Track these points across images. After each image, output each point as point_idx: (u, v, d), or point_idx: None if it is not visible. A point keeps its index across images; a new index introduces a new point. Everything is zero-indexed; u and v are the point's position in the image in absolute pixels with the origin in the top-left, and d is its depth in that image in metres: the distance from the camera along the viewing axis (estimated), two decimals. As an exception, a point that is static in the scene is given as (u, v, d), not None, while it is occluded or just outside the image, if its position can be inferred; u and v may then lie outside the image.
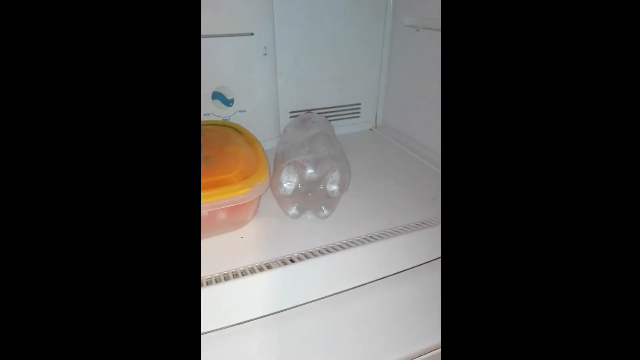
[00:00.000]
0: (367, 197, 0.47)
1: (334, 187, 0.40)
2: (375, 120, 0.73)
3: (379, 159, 0.60)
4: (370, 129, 0.72)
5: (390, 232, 0.40)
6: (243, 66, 0.56)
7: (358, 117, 0.71)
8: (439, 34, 0.53)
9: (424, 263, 0.38)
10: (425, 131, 0.60)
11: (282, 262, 0.35)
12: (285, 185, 0.39)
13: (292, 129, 0.50)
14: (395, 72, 0.66)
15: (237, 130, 0.54)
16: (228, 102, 0.56)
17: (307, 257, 0.36)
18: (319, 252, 0.36)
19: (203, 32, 0.49)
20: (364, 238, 0.39)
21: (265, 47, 0.56)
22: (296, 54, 0.60)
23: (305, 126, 0.50)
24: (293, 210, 0.41)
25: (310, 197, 0.40)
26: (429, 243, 0.39)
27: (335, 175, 0.40)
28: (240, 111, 0.58)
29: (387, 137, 0.68)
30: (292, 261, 0.35)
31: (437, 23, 0.53)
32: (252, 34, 0.54)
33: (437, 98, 0.55)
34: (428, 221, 0.42)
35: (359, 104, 0.70)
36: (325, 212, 0.41)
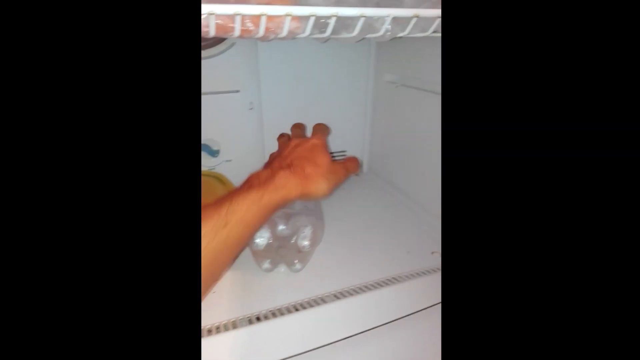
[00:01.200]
0: (342, 249, 0.48)
1: (305, 243, 0.41)
2: (362, 166, 0.75)
3: (362, 207, 0.61)
4: (357, 175, 0.74)
5: (361, 288, 0.40)
6: (229, 120, 0.59)
7: (344, 163, 0.73)
8: (416, 91, 0.56)
9: (395, 319, 0.38)
10: (408, 178, 0.62)
11: (249, 320, 0.36)
12: (257, 240, 0.40)
13: None
14: (379, 122, 0.69)
15: (220, 180, 0.56)
16: (214, 153, 0.59)
17: (274, 315, 0.36)
18: (287, 309, 0.37)
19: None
20: (334, 294, 0.39)
21: (251, 102, 0.59)
22: (282, 106, 0.64)
23: None
24: (266, 265, 0.42)
25: (283, 252, 0.41)
26: (400, 299, 0.40)
27: (307, 231, 0.41)
28: (226, 161, 0.60)
29: (371, 183, 0.70)
30: (258, 319, 0.36)
31: (414, 81, 0.57)
32: (238, 91, 0.57)
33: (419, 148, 0.58)
34: (399, 276, 0.42)
35: (344, 150, 0.72)
36: (298, 266, 0.42)
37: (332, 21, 0.28)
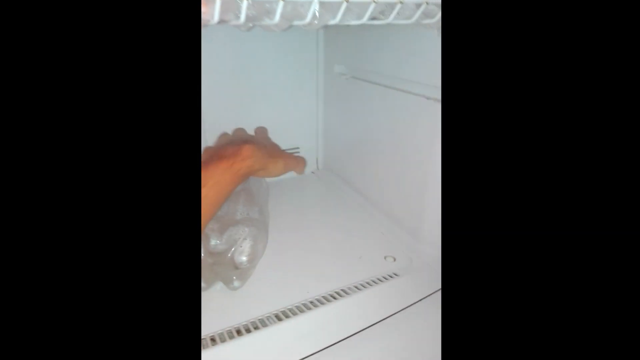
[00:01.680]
0: (288, 257, 0.44)
1: (243, 258, 0.37)
2: (317, 163, 0.71)
3: (313, 207, 0.58)
4: (312, 172, 0.71)
5: (307, 305, 0.36)
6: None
7: (299, 160, 0.69)
8: (367, 83, 0.52)
9: (343, 339, 0.35)
10: (363, 176, 0.59)
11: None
12: None
13: None
14: (332, 116, 0.65)
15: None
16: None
17: (213, 341, 0.32)
18: (219, 337, 0.33)
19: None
20: (275, 315, 0.35)
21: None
22: (226, 101, 0.58)
23: None
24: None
25: (218, 269, 0.37)
26: (352, 313, 0.37)
27: (245, 245, 0.37)
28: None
29: (325, 181, 0.66)
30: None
31: (364, 73, 0.53)
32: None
33: (373, 144, 0.55)
34: (351, 287, 0.39)
35: (297, 147, 0.68)
36: (236, 283, 0.38)
37: (244, 4, 0.24)
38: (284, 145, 0.66)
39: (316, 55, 0.62)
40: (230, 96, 0.59)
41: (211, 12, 0.24)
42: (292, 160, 0.48)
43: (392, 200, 0.52)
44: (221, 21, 0.24)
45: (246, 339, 0.32)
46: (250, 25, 0.27)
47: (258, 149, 0.39)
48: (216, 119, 0.58)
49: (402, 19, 0.31)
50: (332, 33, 0.59)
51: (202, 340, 0.32)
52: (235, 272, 0.37)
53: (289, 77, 0.62)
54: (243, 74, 0.58)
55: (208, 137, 0.58)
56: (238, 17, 0.25)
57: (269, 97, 0.62)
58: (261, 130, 0.53)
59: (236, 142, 0.41)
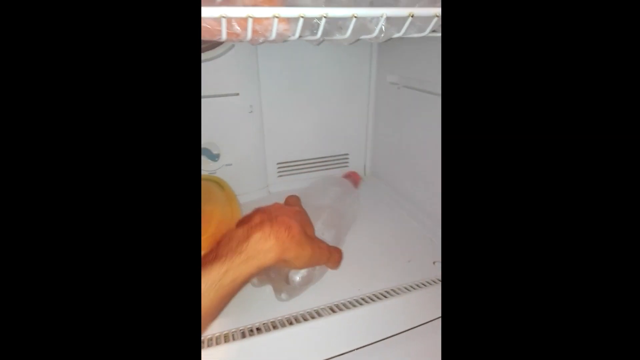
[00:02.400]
0: (343, 261, 0.46)
1: (297, 278, 0.38)
2: (364, 169, 0.73)
3: (362, 212, 0.59)
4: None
5: (358, 301, 0.38)
6: (229, 124, 0.58)
7: (347, 166, 0.71)
8: (418, 92, 0.54)
9: (393, 335, 0.36)
10: (412, 183, 0.60)
11: (242, 333, 0.34)
12: None
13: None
14: (382, 124, 0.67)
15: (220, 185, 0.55)
16: (214, 157, 0.58)
17: (267, 328, 0.35)
18: (280, 323, 0.35)
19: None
20: (330, 307, 0.37)
21: (250, 105, 0.58)
22: (282, 109, 0.62)
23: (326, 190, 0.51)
24: (254, 280, 0.39)
25: (273, 274, 0.39)
26: (401, 313, 0.38)
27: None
28: (226, 165, 0.59)
29: (373, 187, 0.68)
30: (252, 332, 0.34)
31: (415, 82, 0.55)
32: (237, 94, 0.56)
33: (422, 152, 0.56)
34: (399, 288, 0.40)
35: (346, 154, 0.71)
36: (284, 296, 0.39)
37: (323, 22, 0.27)
38: (333, 151, 0.69)
39: (369, 66, 0.64)
40: (289, 104, 0.63)
41: (293, 29, 0.27)
42: (324, 252, 0.36)
43: (440, 207, 0.52)
44: (300, 37, 0.28)
45: (303, 325, 0.35)
46: (322, 39, 0.31)
47: (275, 232, 0.30)
48: (275, 127, 0.63)
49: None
50: (386, 44, 0.61)
51: (261, 325, 0.35)
52: (286, 287, 0.39)
53: (343, 86, 0.65)
54: (302, 84, 0.62)
55: (266, 141, 0.63)
56: (315, 33, 0.28)
57: (322, 106, 0.65)
58: (294, 201, 0.42)
59: (255, 218, 0.33)
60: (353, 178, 0.63)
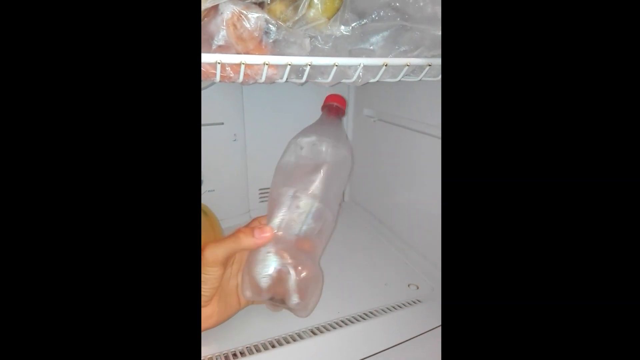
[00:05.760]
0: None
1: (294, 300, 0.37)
2: (343, 195, 0.76)
3: (340, 236, 0.62)
4: (339, 204, 0.75)
5: (337, 323, 0.40)
6: (213, 151, 0.60)
7: (326, 193, 0.74)
8: (391, 125, 0.59)
9: (371, 355, 0.38)
10: (387, 209, 0.64)
11: (225, 356, 0.35)
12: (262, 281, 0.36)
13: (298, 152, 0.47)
14: (359, 153, 0.72)
15: (203, 210, 0.56)
16: (197, 183, 0.59)
17: (250, 351, 0.36)
18: (263, 346, 0.37)
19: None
20: (310, 330, 0.39)
21: (234, 134, 0.61)
22: (265, 138, 0.65)
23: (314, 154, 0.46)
24: (248, 292, 0.41)
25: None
26: (378, 333, 0.40)
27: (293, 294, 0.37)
28: (209, 191, 0.61)
29: (351, 212, 0.71)
30: (234, 356, 0.35)
31: (389, 117, 0.60)
32: (222, 123, 0.59)
33: (396, 180, 0.60)
34: (377, 310, 0.43)
35: (326, 181, 0.74)
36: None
37: (307, 69, 0.30)
38: (314, 178, 0.72)
39: (347, 99, 0.69)
40: (272, 133, 0.65)
41: (281, 74, 0.31)
42: (235, 235, 0.36)
43: (415, 233, 0.56)
44: (287, 80, 0.31)
45: (284, 349, 0.36)
46: (306, 82, 0.34)
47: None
48: (258, 155, 0.65)
49: (430, 77, 0.38)
50: (362, 81, 0.66)
51: (244, 349, 0.36)
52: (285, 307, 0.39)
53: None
54: (284, 114, 0.65)
55: (249, 168, 0.65)
56: (300, 77, 0.31)
57: (303, 135, 0.68)
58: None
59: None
60: (335, 106, 0.50)
